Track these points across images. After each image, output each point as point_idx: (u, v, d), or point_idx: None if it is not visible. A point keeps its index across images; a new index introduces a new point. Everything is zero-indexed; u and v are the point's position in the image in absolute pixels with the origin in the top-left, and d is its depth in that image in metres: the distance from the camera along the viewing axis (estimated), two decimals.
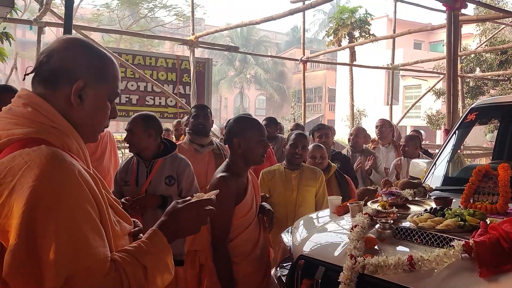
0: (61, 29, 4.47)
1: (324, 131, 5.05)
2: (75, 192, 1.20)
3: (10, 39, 6.35)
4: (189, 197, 1.51)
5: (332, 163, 4.35)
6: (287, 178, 3.70)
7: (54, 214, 1.15)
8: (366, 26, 19.60)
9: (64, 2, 4.52)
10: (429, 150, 7.19)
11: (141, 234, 1.54)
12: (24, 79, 1.40)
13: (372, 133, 6.52)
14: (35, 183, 1.14)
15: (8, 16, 6.37)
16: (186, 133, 4.07)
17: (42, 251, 1.12)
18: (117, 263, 1.24)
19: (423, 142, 6.81)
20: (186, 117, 6.13)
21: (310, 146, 4.28)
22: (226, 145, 2.91)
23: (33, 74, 1.38)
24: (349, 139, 5.84)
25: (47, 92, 1.34)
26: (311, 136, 5.26)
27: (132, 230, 1.54)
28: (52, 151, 1.22)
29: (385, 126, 6.01)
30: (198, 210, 1.45)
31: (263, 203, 2.98)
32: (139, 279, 1.26)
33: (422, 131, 8.60)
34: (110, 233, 1.32)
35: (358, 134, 5.75)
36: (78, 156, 1.35)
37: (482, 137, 19.01)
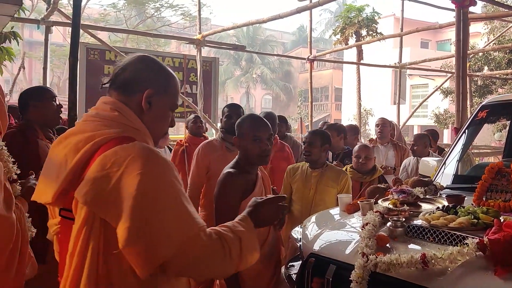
0: (69, 29, 4.47)
1: (329, 131, 4.98)
2: (173, 177, 1.43)
3: (18, 38, 6.37)
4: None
5: (378, 167, 4.31)
6: (307, 176, 3.71)
7: (162, 195, 1.37)
8: (373, 24, 19.54)
9: (72, 1, 4.50)
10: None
11: None
12: (101, 88, 1.63)
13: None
14: (142, 171, 1.35)
15: (16, 15, 6.39)
16: (219, 131, 4.11)
17: (155, 226, 1.33)
18: (217, 233, 1.45)
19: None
20: (192, 115, 6.14)
21: (356, 146, 4.30)
22: None
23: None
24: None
25: (121, 98, 1.56)
26: None
27: None
28: (146, 145, 1.45)
29: (385, 125, 5.98)
30: (274, 205, 1.71)
31: None
32: (236, 247, 1.47)
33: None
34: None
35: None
36: None
37: (490, 136, 18.90)
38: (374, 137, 6.47)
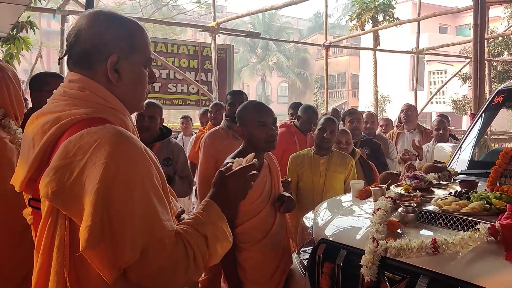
0: None
1: (356, 116, 4.92)
2: (145, 168, 1.23)
3: (34, 27, 6.44)
4: (229, 164, 1.55)
5: (357, 149, 4.25)
6: (315, 163, 3.65)
7: (128, 190, 1.17)
8: (390, 9, 19.20)
9: None
10: (456, 136, 7.09)
11: (184, 215, 1.61)
12: (59, 64, 1.42)
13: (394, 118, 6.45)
14: (107, 160, 1.16)
15: (32, 5, 6.45)
16: (224, 119, 4.04)
17: (119, 225, 1.15)
18: (180, 235, 1.27)
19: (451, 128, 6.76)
20: (213, 104, 6.01)
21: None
22: None
23: (66, 57, 1.39)
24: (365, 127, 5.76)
25: (84, 73, 1.34)
26: (341, 121, 5.18)
27: (178, 211, 1.59)
28: (118, 129, 1.24)
29: (411, 110, 5.90)
30: (243, 177, 1.49)
31: (284, 192, 2.87)
32: (202, 248, 1.29)
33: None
34: (172, 207, 1.38)
35: (374, 121, 5.61)
36: (133, 134, 1.35)
37: (510, 122, 18.60)
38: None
